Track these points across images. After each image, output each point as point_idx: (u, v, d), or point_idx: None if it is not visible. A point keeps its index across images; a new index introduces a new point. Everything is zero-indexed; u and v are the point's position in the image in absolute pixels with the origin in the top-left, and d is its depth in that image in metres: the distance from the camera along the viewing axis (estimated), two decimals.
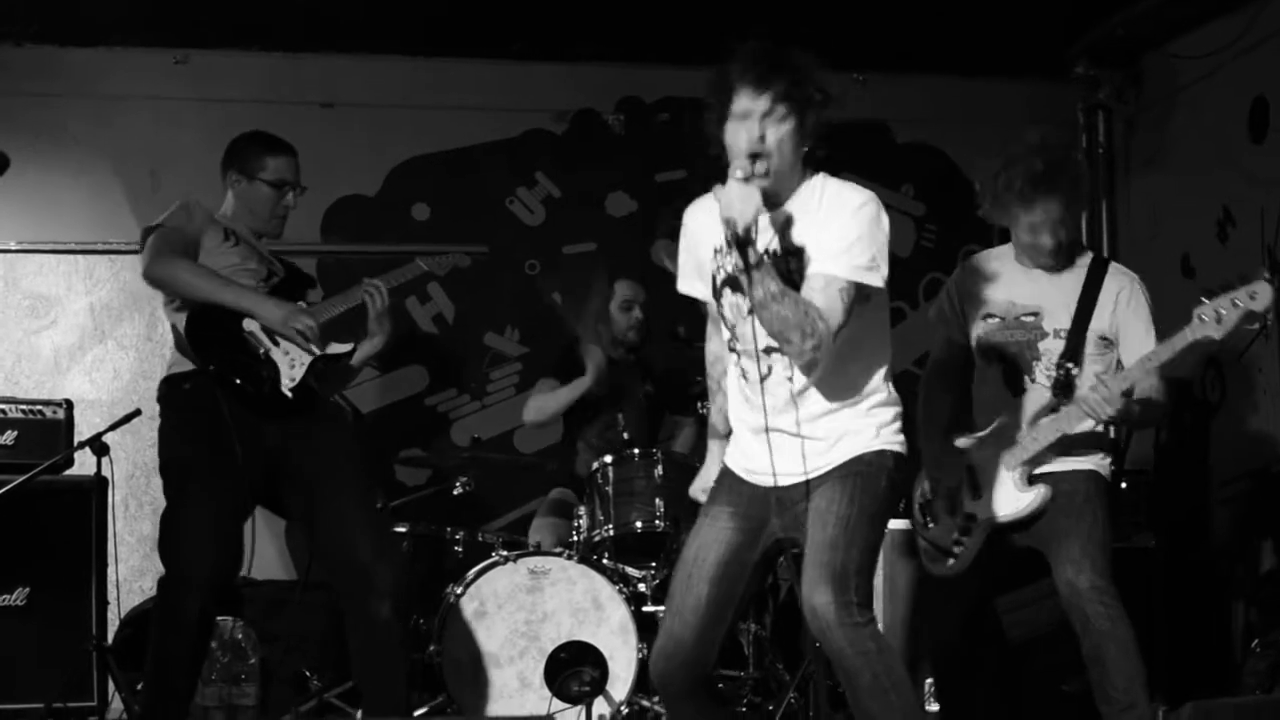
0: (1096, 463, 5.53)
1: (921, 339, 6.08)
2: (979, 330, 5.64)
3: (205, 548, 5.66)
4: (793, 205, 4.57)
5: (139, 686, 6.00)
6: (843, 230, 4.48)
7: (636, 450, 6.80)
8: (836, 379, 4.60)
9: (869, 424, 4.64)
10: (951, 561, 5.60)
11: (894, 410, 4.70)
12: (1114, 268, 5.63)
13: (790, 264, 4.50)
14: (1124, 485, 7.12)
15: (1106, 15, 8.40)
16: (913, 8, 8.09)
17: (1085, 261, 5.62)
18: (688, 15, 8.12)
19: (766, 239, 4.50)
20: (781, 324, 4.38)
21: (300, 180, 6.20)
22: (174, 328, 5.89)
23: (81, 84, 8.33)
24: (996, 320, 5.62)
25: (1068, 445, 5.46)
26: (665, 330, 7.45)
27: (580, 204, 8.85)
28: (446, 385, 8.68)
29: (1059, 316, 5.53)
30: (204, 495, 5.66)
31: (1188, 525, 7.65)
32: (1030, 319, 5.56)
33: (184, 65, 8.42)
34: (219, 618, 6.66)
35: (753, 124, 4.45)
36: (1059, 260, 5.56)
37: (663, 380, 7.64)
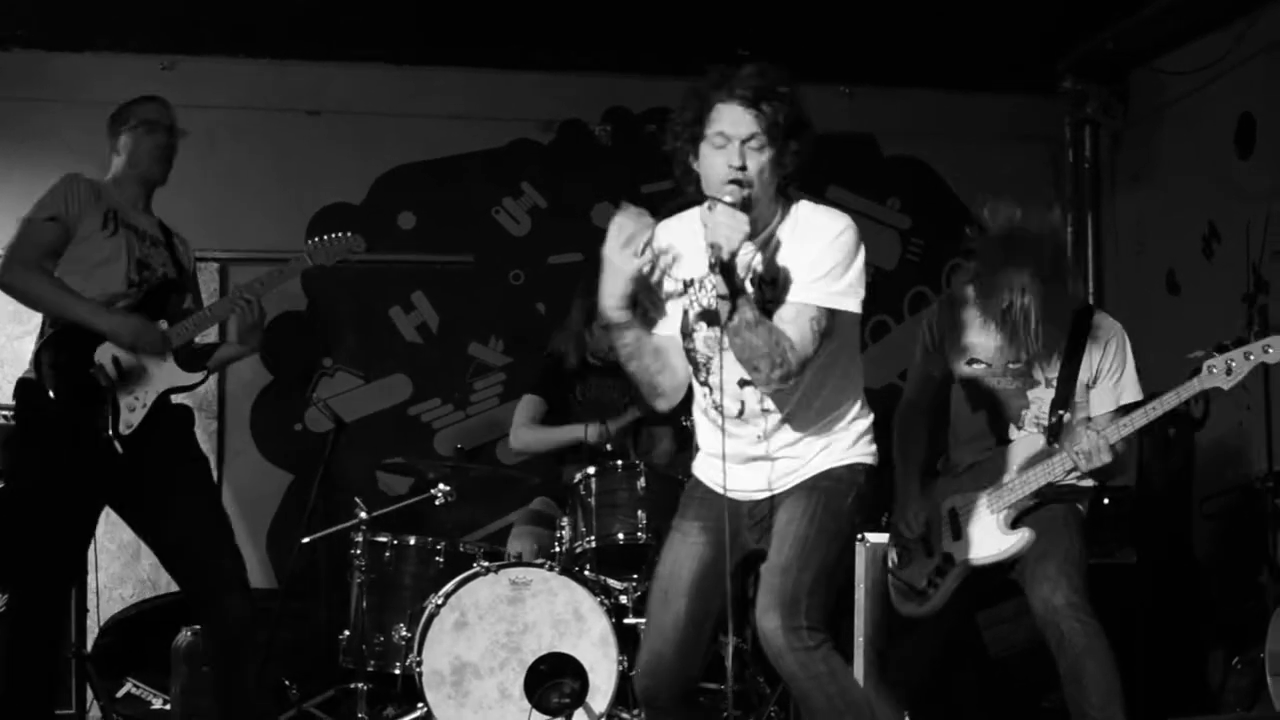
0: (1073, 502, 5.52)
1: (906, 353, 6.06)
2: (966, 373, 5.62)
3: (52, 568, 5.76)
4: (768, 234, 4.49)
5: (119, 694, 6.02)
6: (819, 257, 4.41)
7: (619, 462, 6.80)
8: (812, 405, 4.59)
9: (843, 438, 4.64)
10: (923, 602, 5.58)
11: (866, 422, 4.69)
12: (1099, 316, 5.61)
13: (766, 294, 4.44)
14: (1106, 501, 7.11)
15: (1094, 30, 8.40)
16: (900, 21, 8.10)
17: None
18: (675, 27, 8.13)
19: (743, 269, 4.42)
20: (751, 352, 4.33)
21: (175, 124, 6.17)
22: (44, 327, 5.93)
23: (69, 89, 8.31)
24: (983, 366, 5.59)
25: (1052, 492, 5.45)
26: None
27: (566, 215, 8.84)
28: (430, 395, 8.67)
29: (1048, 365, 5.52)
30: (52, 521, 5.70)
31: (1170, 541, 7.64)
32: (1018, 366, 5.53)
33: (171, 71, 8.40)
34: (199, 626, 6.66)
35: (733, 150, 4.34)
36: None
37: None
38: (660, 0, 7.85)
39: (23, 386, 5.81)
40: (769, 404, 4.55)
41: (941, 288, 7.03)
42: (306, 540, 7.17)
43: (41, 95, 8.30)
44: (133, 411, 5.80)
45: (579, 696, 6.28)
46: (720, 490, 4.65)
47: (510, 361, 8.69)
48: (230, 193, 8.46)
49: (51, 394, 5.68)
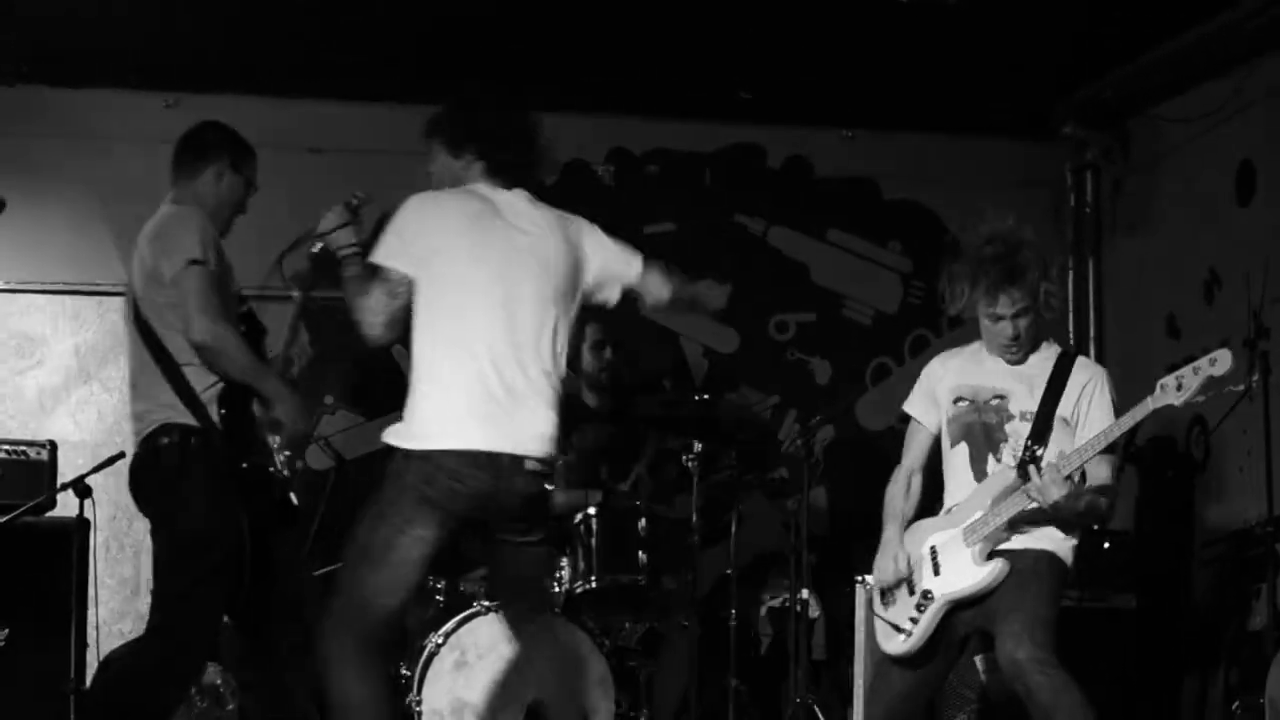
0: (1057, 544, 5.47)
1: (906, 396, 6.05)
2: (949, 413, 5.65)
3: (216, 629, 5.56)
4: None
5: None
6: None
7: (620, 504, 6.80)
8: None
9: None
10: (904, 639, 5.56)
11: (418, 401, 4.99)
12: (1081, 360, 5.64)
13: None
14: (1105, 545, 7.12)
15: (1095, 77, 8.44)
16: (902, 66, 8.13)
17: (1053, 353, 5.62)
18: (678, 69, 8.17)
19: None
20: None
21: None
22: (180, 373, 5.42)
23: (72, 125, 8.33)
24: (966, 403, 5.62)
25: (1025, 523, 5.44)
26: (647, 382, 7.47)
27: None
28: None
29: (1024, 400, 5.52)
30: (226, 577, 5.37)
31: (1169, 585, 7.64)
32: (998, 401, 5.54)
33: (174, 108, 8.42)
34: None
35: None
36: (1021, 354, 5.55)
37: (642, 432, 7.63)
38: (664, 43, 7.88)
39: (188, 434, 5.35)
40: None
41: (943, 331, 7.04)
42: None
43: (44, 131, 8.31)
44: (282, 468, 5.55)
45: None
46: None
47: None
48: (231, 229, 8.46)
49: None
